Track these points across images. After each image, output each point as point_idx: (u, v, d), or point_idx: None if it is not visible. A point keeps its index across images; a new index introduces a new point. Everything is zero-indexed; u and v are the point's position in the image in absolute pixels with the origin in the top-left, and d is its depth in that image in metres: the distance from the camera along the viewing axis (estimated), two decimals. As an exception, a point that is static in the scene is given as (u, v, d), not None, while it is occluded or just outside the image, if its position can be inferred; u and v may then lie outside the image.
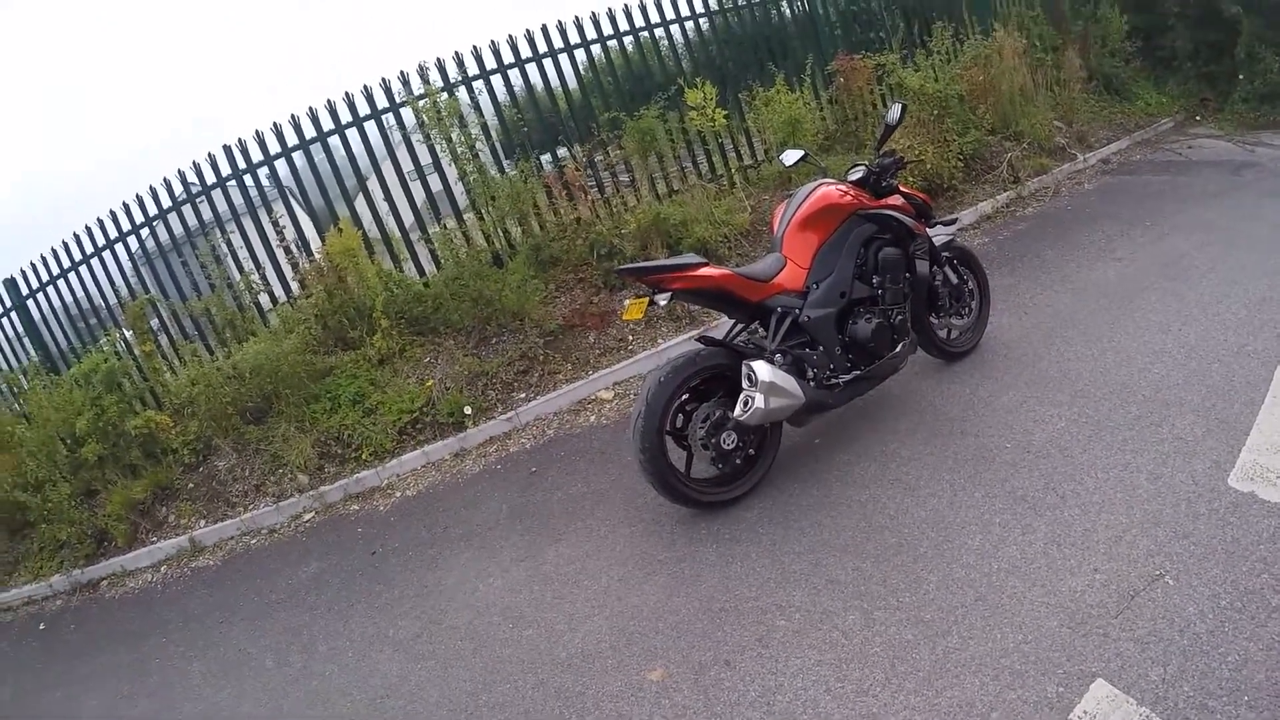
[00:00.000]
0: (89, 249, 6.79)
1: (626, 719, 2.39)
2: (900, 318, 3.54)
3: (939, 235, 3.95)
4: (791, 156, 4.09)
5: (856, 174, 3.77)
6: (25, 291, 7.13)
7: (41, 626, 5.30)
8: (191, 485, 5.66)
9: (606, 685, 2.55)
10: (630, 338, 5.35)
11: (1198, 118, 8.77)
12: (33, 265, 7.04)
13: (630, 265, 3.26)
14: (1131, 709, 1.90)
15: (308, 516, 4.98)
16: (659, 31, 6.84)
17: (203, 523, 5.37)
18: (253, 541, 5.00)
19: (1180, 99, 9.08)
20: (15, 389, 7.19)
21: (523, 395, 5.16)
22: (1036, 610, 2.28)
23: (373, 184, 6.24)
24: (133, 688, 3.82)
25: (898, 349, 3.51)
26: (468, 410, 5.06)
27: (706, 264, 3.17)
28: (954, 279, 3.99)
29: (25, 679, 4.54)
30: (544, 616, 3.04)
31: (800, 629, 2.51)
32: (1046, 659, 2.10)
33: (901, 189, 3.82)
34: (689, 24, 7.09)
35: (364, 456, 5.08)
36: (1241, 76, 8.48)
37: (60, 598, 5.63)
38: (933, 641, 2.28)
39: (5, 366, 7.46)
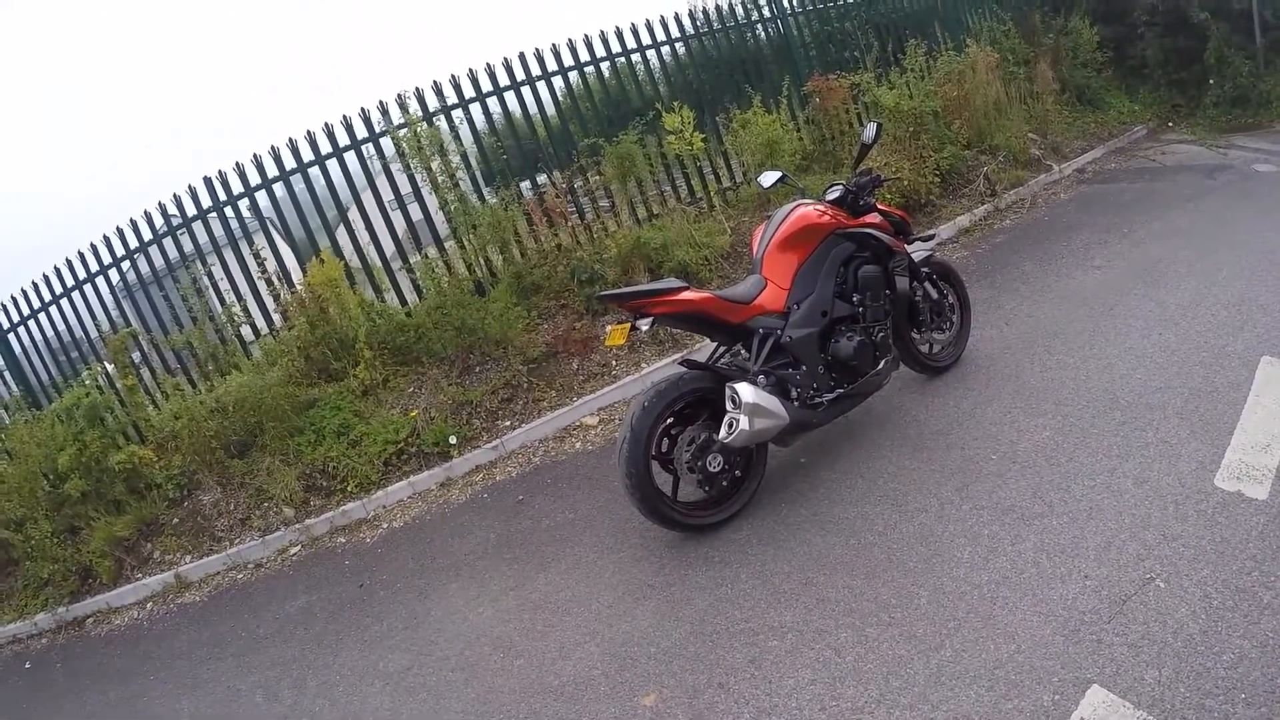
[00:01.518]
0: (70, 282, 6.77)
1: None
2: (882, 334, 3.57)
3: (918, 251, 3.99)
4: (769, 178, 4.11)
5: (834, 193, 3.81)
6: (6, 326, 7.08)
7: (27, 666, 5.24)
8: (176, 520, 5.62)
9: (600, 712, 2.54)
10: (614, 363, 5.36)
11: (1170, 124, 8.93)
12: (13, 299, 7.00)
13: (611, 291, 3.27)
14: (1129, 713, 1.90)
15: (294, 550, 4.95)
16: (636, 57, 6.90)
17: (188, 558, 5.32)
18: (239, 576, 4.96)
19: (1152, 106, 9.25)
20: (-4, 426, 7.12)
21: (507, 423, 5.16)
22: (1029, 620, 2.29)
23: (353, 214, 6.24)
24: None
25: (880, 366, 3.54)
26: (453, 439, 5.06)
27: (687, 288, 3.19)
28: (934, 294, 4.03)
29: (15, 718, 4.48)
30: (535, 645, 3.03)
31: (793, 649, 2.51)
32: (1041, 668, 2.11)
33: (879, 207, 3.86)
34: (665, 49, 7.16)
35: (349, 488, 5.07)
36: (1211, 81, 8.64)
37: (45, 636, 5.57)
38: (926, 656, 2.29)
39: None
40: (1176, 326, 3.89)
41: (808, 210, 3.58)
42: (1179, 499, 2.63)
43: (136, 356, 6.56)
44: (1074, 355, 3.88)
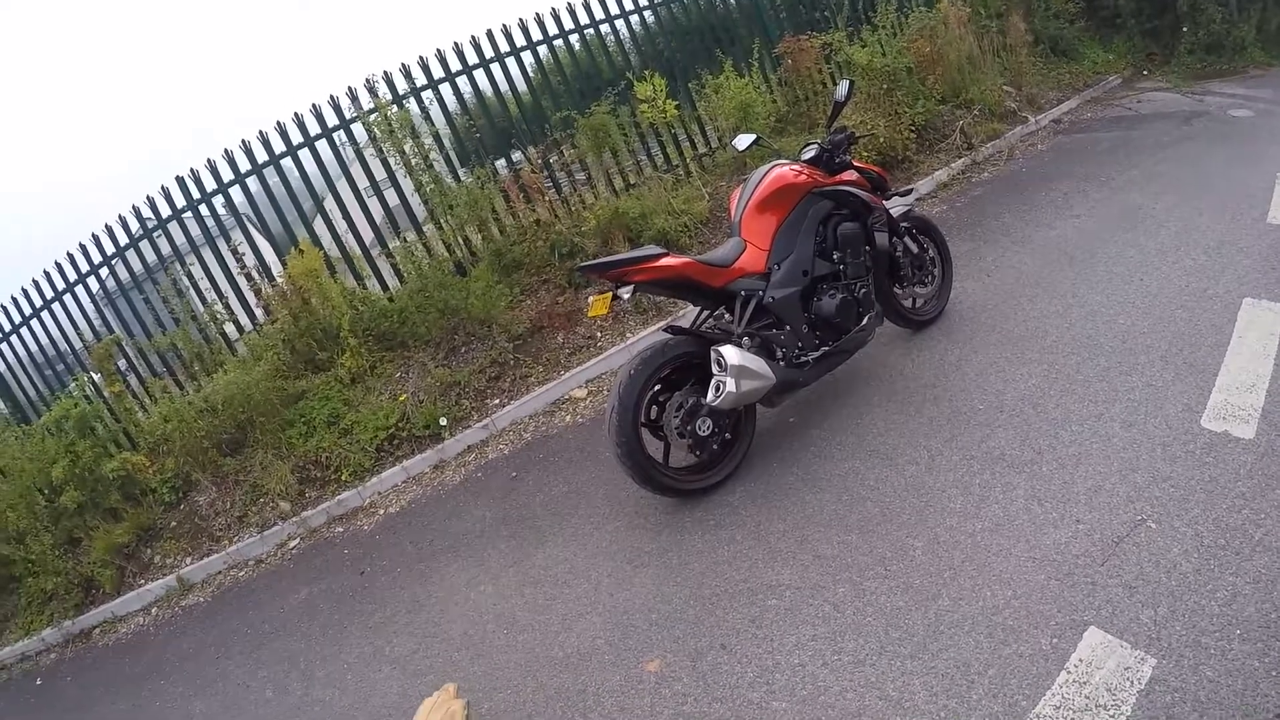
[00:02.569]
0: (49, 294, 6.71)
1: (628, 712, 2.40)
2: (864, 291, 3.57)
3: (896, 206, 3.99)
4: (744, 141, 4.10)
5: (809, 153, 3.80)
6: (-13, 343, 7.02)
7: (38, 682, 5.22)
8: (174, 523, 5.60)
9: (606, 681, 2.56)
10: (599, 334, 5.35)
11: (1145, 72, 8.89)
12: (-8, 315, 6.95)
13: (591, 262, 3.26)
14: (1126, 653, 1.93)
15: (293, 543, 4.94)
16: (605, 28, 6.85)
17: (189, 560, 5.31)
18: (240, 574, 4.96)
19: (1127, 55, 9.19)
20: (-14, 443, 7.07)
21: (496, 401, 5.15)
22: (1023, 566, 2.31)
23: (330, 204, 6.20)
24: None
25: (864, 322, 3.54)
26: (443, 421, 5.05)
27: (667, 254, 3.18)
28: (914, 248, 4.02)
29: None
30: (538, 619, 3.04)
31: (792, 606, 2.53)
32: (1038, 612, 2.13)
33: (855, 164, 3.85)
34: (635, 18, 7.09)
35: (344, 477, 5.05)
36: (1185, 29, 8.61)
37: (54, 651, 5.55)
38: (924, 606, 2.31)
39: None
40: (1158, 271, 3.89)
41: (784, 170, 3.57)
42: (1167, 441, 2.64)
43: (122, 363, 6.52)
44: (1057, 304, 3.88)
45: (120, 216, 6.32)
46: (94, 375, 6.46)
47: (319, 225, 6.28)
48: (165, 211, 6.16)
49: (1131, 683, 1.87)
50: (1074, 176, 5.81)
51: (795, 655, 2.32)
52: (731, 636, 2.51)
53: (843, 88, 3.80)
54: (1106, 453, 2.68)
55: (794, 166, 3.61)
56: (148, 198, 6.17)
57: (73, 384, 6.44)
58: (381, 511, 4.76)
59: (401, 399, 5.19)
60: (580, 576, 3.20)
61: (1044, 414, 3.02)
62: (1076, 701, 1.88)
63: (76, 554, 5.84)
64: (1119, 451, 2.66)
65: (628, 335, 5.25)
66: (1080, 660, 1.96)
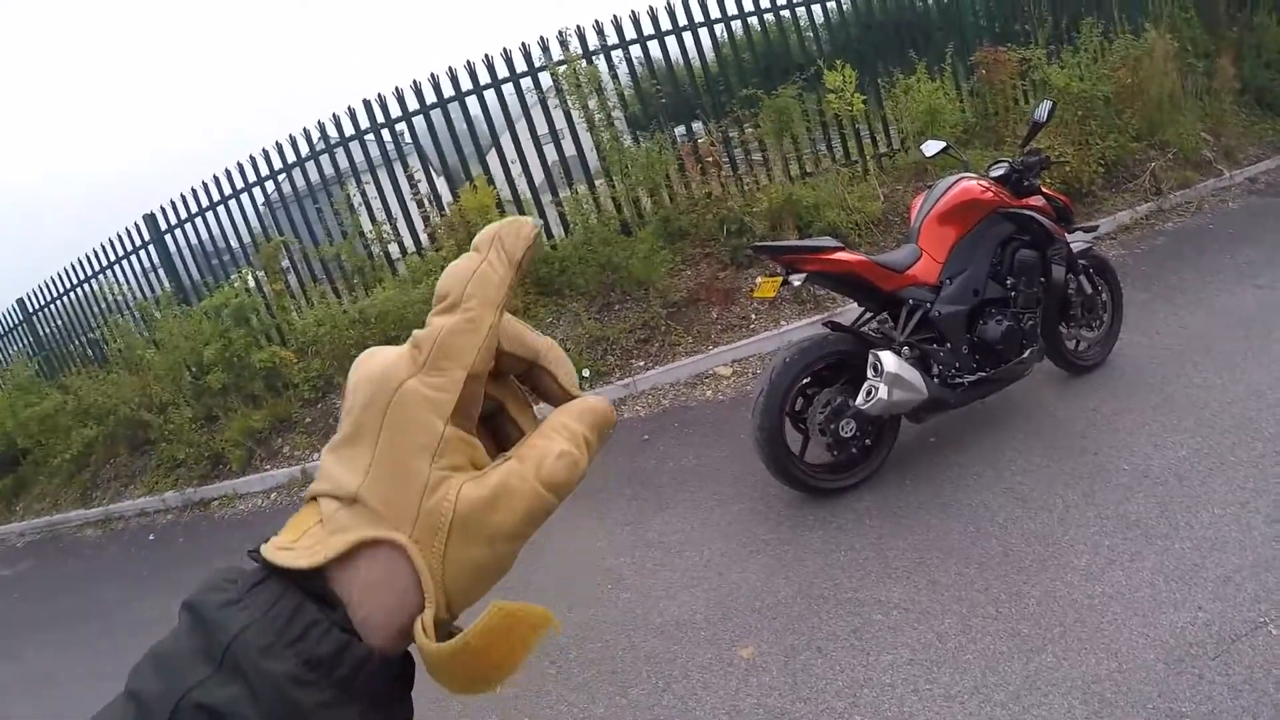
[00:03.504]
0: (228, 190, 7.11)
1: (712, 690, 2.40)
2: (1031, 323, 3.43)
3: (1077, 242, 3.81)
4: (933, 147, 3.97)
5: (999, 170, 3.65)
6: (164, 226, 7.50)
7: (151, 537, 5.63)
8: (309, 419, 5.91)
9: (696, 655, 2.56)
10: (753, 316, 5.32)
11: (1356, 140, 8.21)
12: (172, 203, 7.41)
13: (766, 243, 3.25)
14: None
15: (419, 458, 5.12)
16: (800, 10, 6.74)
17: (316, 455, 5.59)
18: (364, 479, 5.18)
19: (1337, 119, 8.50)
20: (147, 317, 7.60)
21: (641, 363, 5.20)
22: (1134, 640, 2.20)
23: (505, 143, 6.34)
24: None
25: (1025, 354, 3.40)
26: (585, 373, 5.13)
27: (843, 248, 3.14)
28: (1088, 289, 3.84)
29: (131, 583, 4.85)
30: (643, 582, 3.05)
31: (896, 626, 2.47)
32: (1138, 691, 2.03)
33: (1043, 190, 3.69)
34: (830, 4, 6.97)
35: (482, 408, 5.20)
36: None
37: (172, 512, 5.97)
38: (1027, 656, 2.23)
39: (140, 296, 7.86)
40: None
41: (971, 185, 3.45)
42: None
43: (286, 264, 6.87)
44: (1222, 375, 3.60)
45: (304, 129, 6.65)
46: (258, 272, 6.82)
47: (492, 163, 6.43)
48: (350, 130, 6.45)
49: None
50: (1263, 243, 5.39)
51: (888, 675, 2.27)
52: (829, 641, 2.47)
53: (1044, 108, 3.63)
54: (1244, 544, 2.49)
55: (982, 182, 3.48)
56: (334, 115, 6.48)
57: (235, 276, 6.80)
58: (512, 444, 4.88)
59: (549, 343, 5.30)
60: (693, 549, 3.19)
61: (1188, 489, 2.83)
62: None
63: (211, 430, 6.24)
64: (1257, 546, 2.47)
65: (782, 323, 5.20)
66: None
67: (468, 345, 0.34)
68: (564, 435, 0.35)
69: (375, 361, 0.35)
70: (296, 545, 0.33)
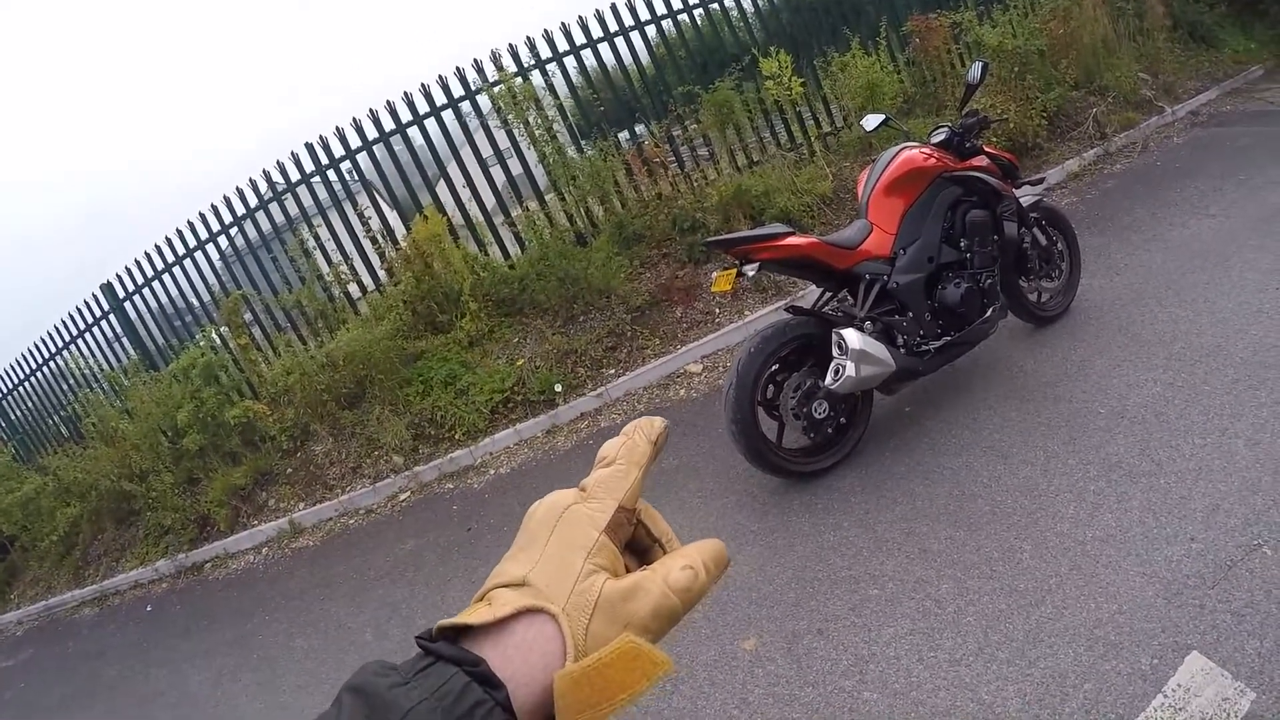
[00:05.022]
0: (181, 250, 7.05)
1: (720, 687, 2.39)
2: (990, 281, 3.44)
3: (1026, 196, 3.84)
4: (873, 121, 3.99)
5: (939, 136, 3.66)
6: (122, 294, 7.43)
7: (149, 609, 5.55)
8: (290, 470, 5.85)
9: (700, 654, 2.54)
10: (717, 311, 5.31)
11: (1290, 64, 8.32)
12: (127, 269, 7.34)
13: (718, 237, 3.24)
14: (1226, 683, 1.84)
15: (404, 496, 5.10)
16: (729, 1, 6.77)
17: (301, 505, 5.55)
18: (350, 522, 5.15)
19: (1270, 45, 8.59)
20: (117, 387, 7.53)
21: (612, 371, 5.18)
22: (1132, 580, 2.21)
23: (453, 170, 6.33)
24: (237, 663, 3.98)
25: (988, 314, 3.42)
26: (558, 388, 5.11)
27: (793, 233, 3.13)
28: (1043, 240, 3.86)
29: (133, 659, 4.77)
30: None
31: (893, 598, 2.48)
32: (1141, 630, 2.04)
33: (986, 149, 3.70)
34: (759, -8, 7.00)
35: (457, 436, 5.18)
36: (1337, 16, 8.01)
37: (166, 581, 5.90)
38: (1026, 611, 2.24)
39: (107, 366, 7.79)
40: None
41: (913, 153, 3.46)
42: None
43: (248, 317, 6.82)
44: (1187, 308, 3.64)
45: (250, 179, 6.61)
46: (221, 328, 6.78)
47: (442, 191, 6.43)
48: (295, 175, 6.42)
49: (1228, 714, 1.77)
50: (1210, 173, 5.45)
51: (891, 647, 2.28)
52: (830, 622, 2.47)
53: (976, 69, 3.64)
54: (1228, 470, 2.51)
55: (924, 149, 3.49)
56: (278, 163, 6.45)
57: (200, 335, 6.76)
58: (492, 471, 4.86)
59: (518, 363, 5.28)
60: (683, 549, 3.20)
61: (1166, 424, 2.85)
62: (1170, 727, 1.80)
63: (195, 493, 6.19)
64: (1241, 470, 2.49)
65: (746, 313, 5.20)
66: (1179, 685, 1.87)
67: (619, 485, 0.47)
68: (688, 558, 0.45)
69: (550, 496, 0.47)
70: (465, 619, 0.41)
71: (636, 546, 0.50)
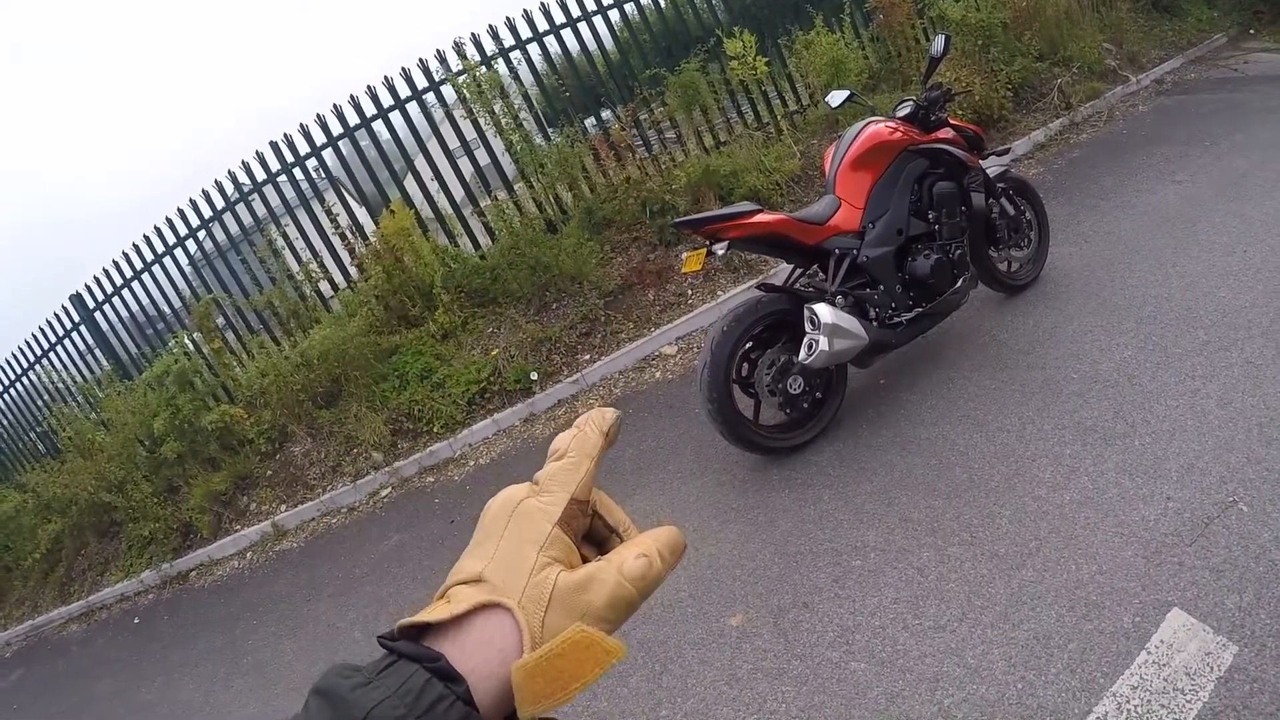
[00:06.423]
0: (149, 257, 6.97)
1: (709, 665, 2.40)
2: (959, 252, 3.46)
3: (993, 166, 3.85)
4: (838, 97, 4.00)
5: (905, 110, 3.67)
6: (92, 304, 7.34)
7: (136, 621, 5.50)
8: (270, 472, 5.81)
9: (688, 633, 2.55)
10: (689, 292, 5.31)
11: (1251, 31, 8.37)
12: (96, 279, 7.25)
13: (686, 218, 3.23)
14: (1209, 637, 1.86)
15: (385, 492, 5.07)
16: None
17: (283, 507, 5.51)
18: (333, 521, 5.12)
19: (1233, 13, 8.67)
20: (91, 399, 7.45)
21: (587, 357, 5.17)
22: (1110, 541, 2.24)
23: (420, 163, 6.28)
24: (228, 670, 3.96)
25: (958, 284, 3.43)
26: (534, 376, 5.09)
27: (761, 210, 3.13)
28: (1011, 210, 3.89)
29: (123, 672, 4.72)
30: None
31: (876, 568, 2.49)
32: (1122, 589, 2.07)
33: (952, 122, 3.72)
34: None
35: (435, 429, 5.15)
36: (1297, -17, 8.09)
37: (151, 592, 5.84)
38: (1008, 575, 2.26)
39: (80, 378, 7.70)
40: (1262, 243, 3.64)
41: (879, 128, 3.46)
42: (1263, 421, 2.49)
43: (220, 321, 6.76)
44: (1156, 272, 3.68)
45: (216, 181, 6.53)
46: (194, 334, 6.71)
47: (410, 184, 6.38)
48: (261, 175, 6.35)
49: (1211, 668, 1.80)
50: (1176, 140, 5.50)
51: (876, 617, 2.29)
52: (814, 595, 2.48)
53: (939, 43, 3.65)
54: (1201, 430, 2.54)
55: (889, 124, 3.50)
56: (243, 162, 6.37)
57: (172, 342, 6.68)
58: (472, 463, 4.84)
59: (493, 354, 5.25)
60: (666, 530, 3.20)
61: (1139, 387, 2.88)
62: (1154, 683, 1.82)
63: (175, 501, 6.12)
64: (1214, 430, 2.52)
65: (719, 293, 5.19)
66: (1161, 641, 1.89)
67: (570, 478, 0.47)
68: (642, 546, 0.45)
69: (503, 492, 0.48)
70: (425, 617, 0.42)
71: (594, 537, 0.50)
